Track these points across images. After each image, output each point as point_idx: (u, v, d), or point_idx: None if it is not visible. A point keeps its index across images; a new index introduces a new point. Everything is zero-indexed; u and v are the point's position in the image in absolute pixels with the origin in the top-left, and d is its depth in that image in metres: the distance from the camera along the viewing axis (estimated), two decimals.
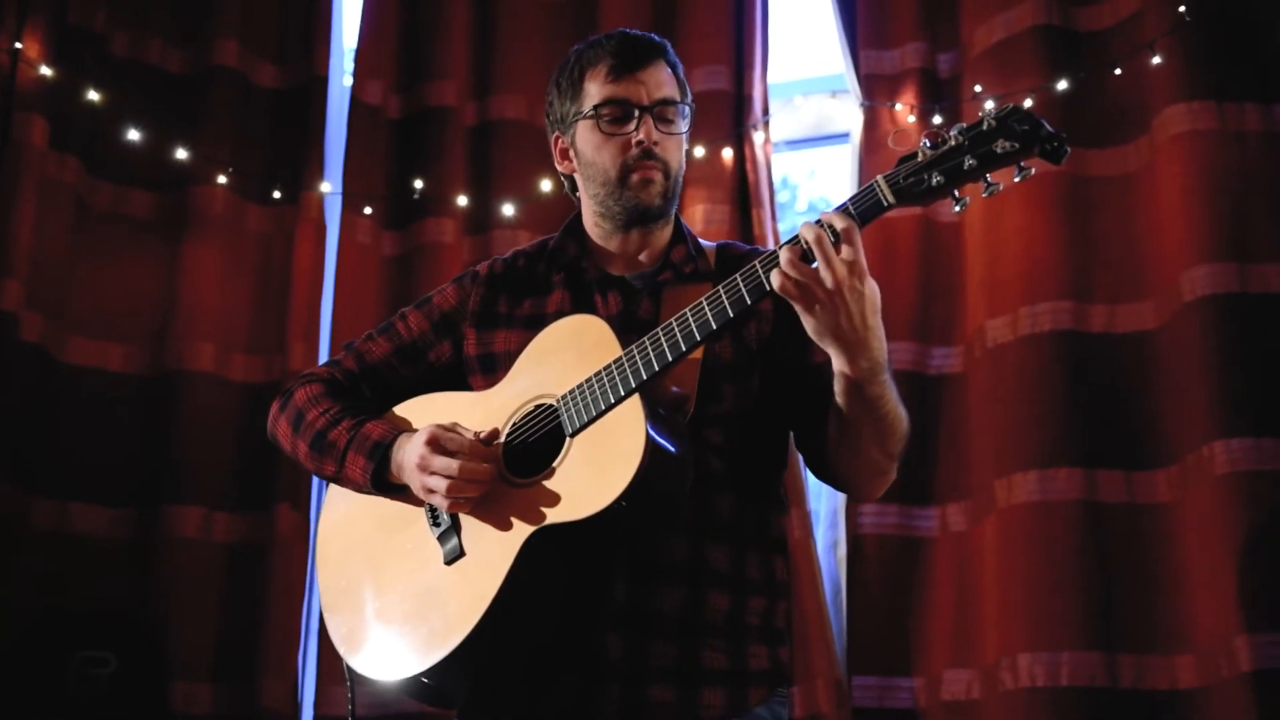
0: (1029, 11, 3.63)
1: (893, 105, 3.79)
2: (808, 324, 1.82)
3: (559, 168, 2.26)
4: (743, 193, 3.84)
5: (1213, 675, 3.09)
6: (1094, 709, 3.17)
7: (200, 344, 3.97)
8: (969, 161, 1.74)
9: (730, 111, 3.90)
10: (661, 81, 2.15)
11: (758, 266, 1.85)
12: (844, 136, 3.92)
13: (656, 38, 2.20)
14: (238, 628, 3.76)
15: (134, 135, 4.01)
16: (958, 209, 1.78)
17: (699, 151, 3.84)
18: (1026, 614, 3.28)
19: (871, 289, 1.80)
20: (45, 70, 3.95)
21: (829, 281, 1.77)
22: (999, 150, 1.72)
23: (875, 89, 3.83)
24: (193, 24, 4.24)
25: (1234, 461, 3.14)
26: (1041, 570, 3.28)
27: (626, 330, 2.05)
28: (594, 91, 2.14)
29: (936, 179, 1.75)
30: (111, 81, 4.06)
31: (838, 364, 1.87)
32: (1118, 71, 3.54)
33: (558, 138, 2.24)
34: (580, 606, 1.96)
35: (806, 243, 1.79)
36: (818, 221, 1.80)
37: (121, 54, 4.16)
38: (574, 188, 2.27)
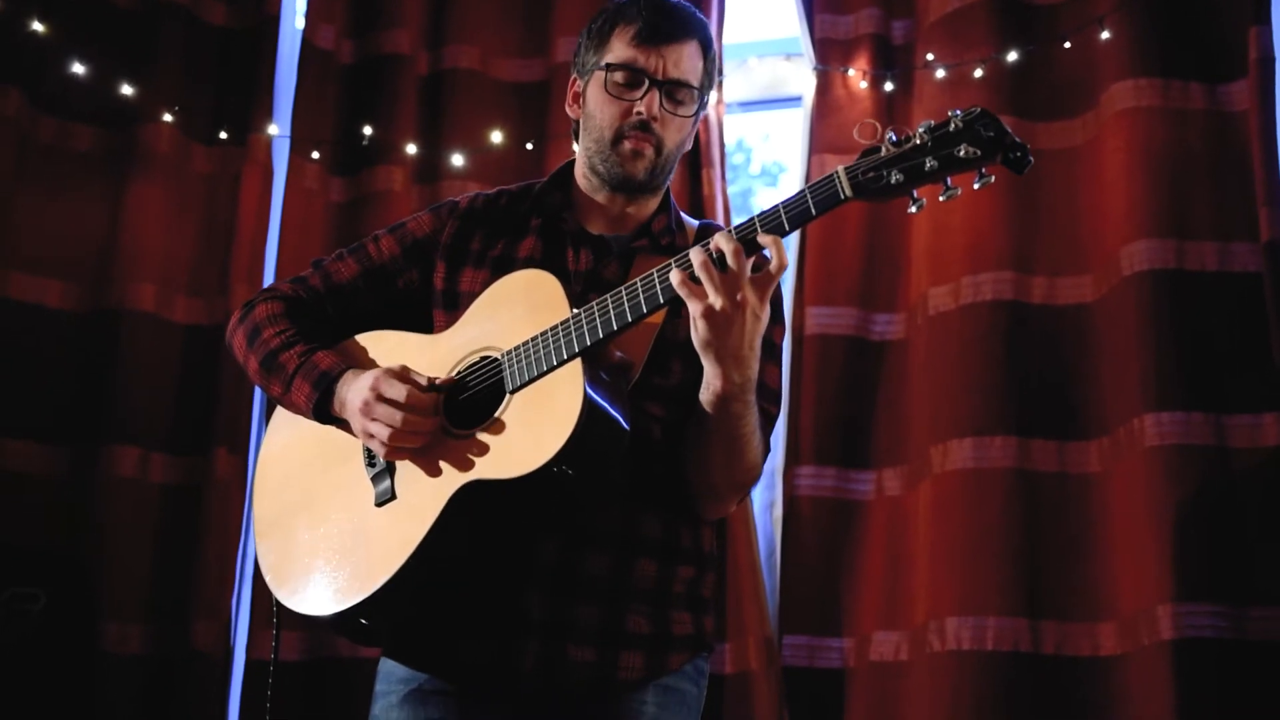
0: None
1: (846, 70, 3.80)
2: (697, 330, 1.83)
3: (568, 110, 2.28)
4: (694, 152, 3.83)
5: (1133, 643, 3.15)
6: (1018, 673, 3.21)
7: (142, 284, 3.91)
8: (930, 163, 1.74)
9: None
10: (682, 61, 2.14)
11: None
12: (797, 100, 3.92)
13: (699, 15, 2.19)
14: (171, 569, 3.74)
15: (79, 69, 3.94)
16: (914, 209, 1.77)
17: None
18: (956, 579, 3.32)
19: (766, 315, 1.83)
20: None
21: (738, 296, 1.79)
22: (961, 154, 1.72)
23: (829, 53, 3.83)
24: None
25: (1163, 435, 3.19)
26: (972, 536, 3.33)
27: (590, 289, 2.06)
28: (615, 49, 2.15)
29: (896, 177, 1.75)
30: (57, 14, 3.96)
31: (710, 374, 1.89)
32: (1067, 45, 3.56)
33: (574, 80, 2.26)
34: (508, 563, 1.98)
35: (720, 251, 1.80)
36: (745, 232, 1.81)
37: None
38: (576, 134, 2.27)
